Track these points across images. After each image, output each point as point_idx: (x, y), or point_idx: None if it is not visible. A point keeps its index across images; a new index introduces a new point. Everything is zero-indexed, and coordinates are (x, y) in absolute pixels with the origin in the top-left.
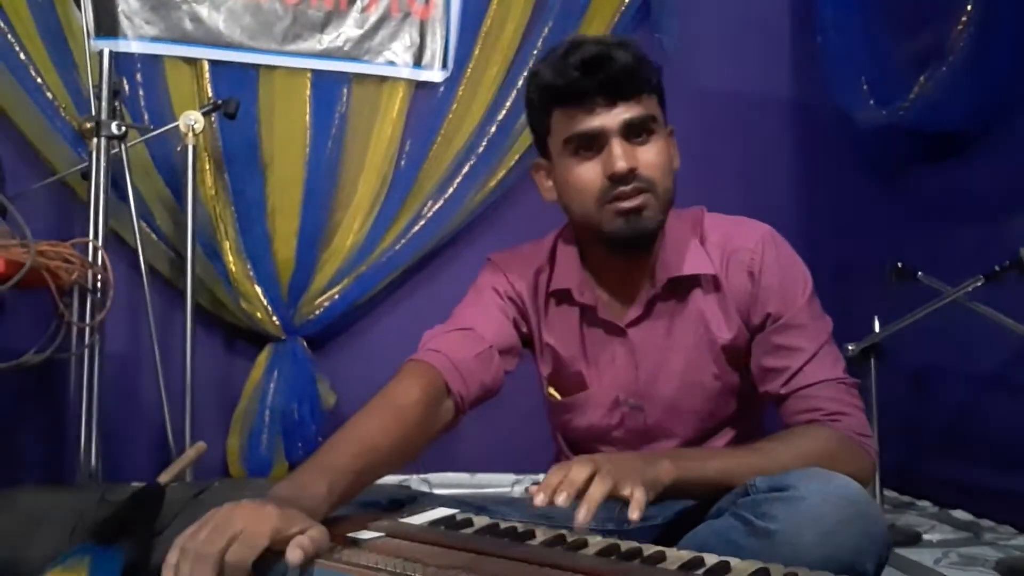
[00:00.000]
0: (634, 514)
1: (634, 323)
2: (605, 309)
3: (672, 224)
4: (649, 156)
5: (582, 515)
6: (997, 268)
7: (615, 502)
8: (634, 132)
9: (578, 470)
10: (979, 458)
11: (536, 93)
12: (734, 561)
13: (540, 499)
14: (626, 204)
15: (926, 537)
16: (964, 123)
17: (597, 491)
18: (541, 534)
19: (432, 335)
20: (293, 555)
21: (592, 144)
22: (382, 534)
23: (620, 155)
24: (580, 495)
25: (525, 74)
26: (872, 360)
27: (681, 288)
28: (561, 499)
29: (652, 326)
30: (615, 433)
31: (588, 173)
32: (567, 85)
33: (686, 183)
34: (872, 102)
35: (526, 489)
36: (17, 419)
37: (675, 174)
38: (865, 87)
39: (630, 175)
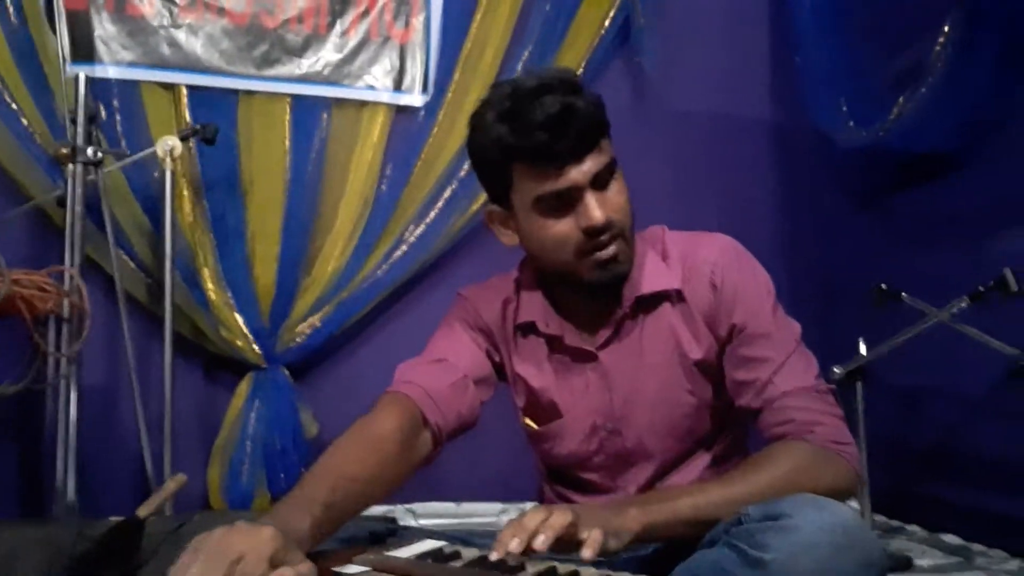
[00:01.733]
0: (587, 552)
1: (604, 345)
2: (572, 336)
3: (635, 243)
4: (616, 201)
5: (539, 542)
6: (981, 288)
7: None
8: (600, 180)
9: (532, 516)
10: (969, 481)
11: (493, 151)
12: None
13: (494, 556)
14: (603, 254)
15: (917, 562)
16: (945, 143)
17: (556, 520)
18: (531, 566)
19: (406, 367)
20: None
21: (563, 202)
22: (368, 568)
23: (595, 208)
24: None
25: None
26: (858, 383)
27: (648, 305)
28: (514, 544)
29: (623, 347)
30: (595, 459)
31: (562, 229)
32: (534, 148)
33: (666, 205)
34: (851, 123)
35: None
36: None
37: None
38: (844, 108)
39: (606, 225)
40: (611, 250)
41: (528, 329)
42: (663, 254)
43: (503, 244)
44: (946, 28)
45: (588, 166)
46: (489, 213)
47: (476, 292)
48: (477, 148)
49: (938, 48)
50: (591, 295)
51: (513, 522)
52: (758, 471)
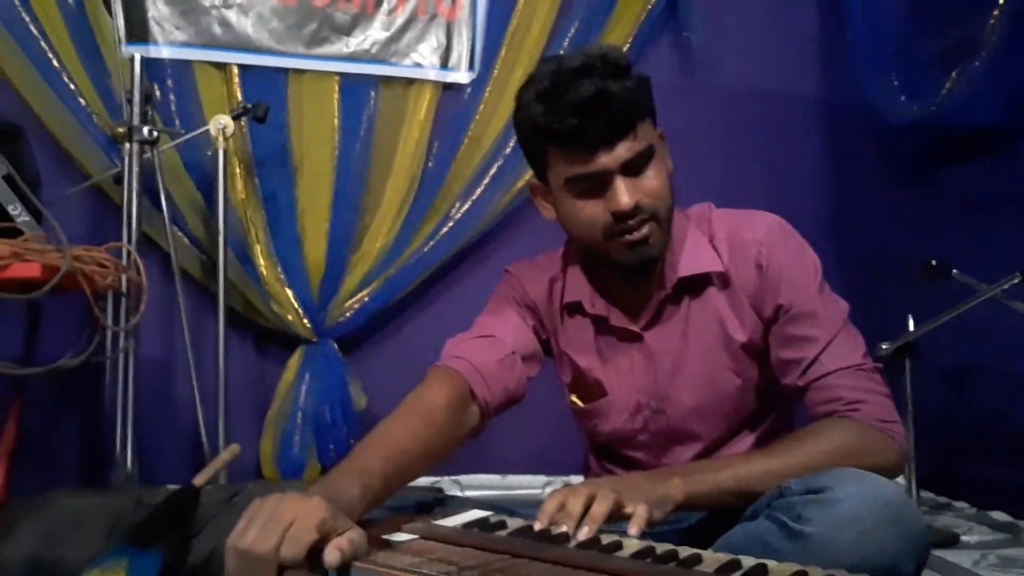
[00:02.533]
0: (632, 529)
1: (648, 327)
2: (617, 317)
3: (679, 224)
4: (650, 185)
5: (583, 533)
6: None
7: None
8: (633, 166)
9: (575, 501)
10: (1017, 458)
11: (529, 129)
12: (771, 564)
13: (539, 525)
14: (632, 236)
15: (964, 538)
16: (997, 118)
17: (599, 510)
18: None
19: (455, 343)
20: (331, 556)
21: (594, 184)
22: (416, 536)
23: (623, 193)
24: (581, 520)
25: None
26: (907, 359)
27: (692, 287)
28: (561, 530)
29: (667, 328)
30: (640, 437)
31: (592, 210)
32: (565, 131)
33: (713, 182)
34: (903, 98)
35: None
36: (53, 423)
37: (672, 191)
38: (896, 83)
39: (634, 209)
40: (641, 233)
41: (574, 309)
42: (709, 234)
43: (544, 218)
44: (1000, 1)
45: (619, 152)
46: (532, 186)
47: (523, 269)
48: (517, 124)
49: (992, 21)
50: (628, 276)
51: (556, 494)
52: (803, 445)
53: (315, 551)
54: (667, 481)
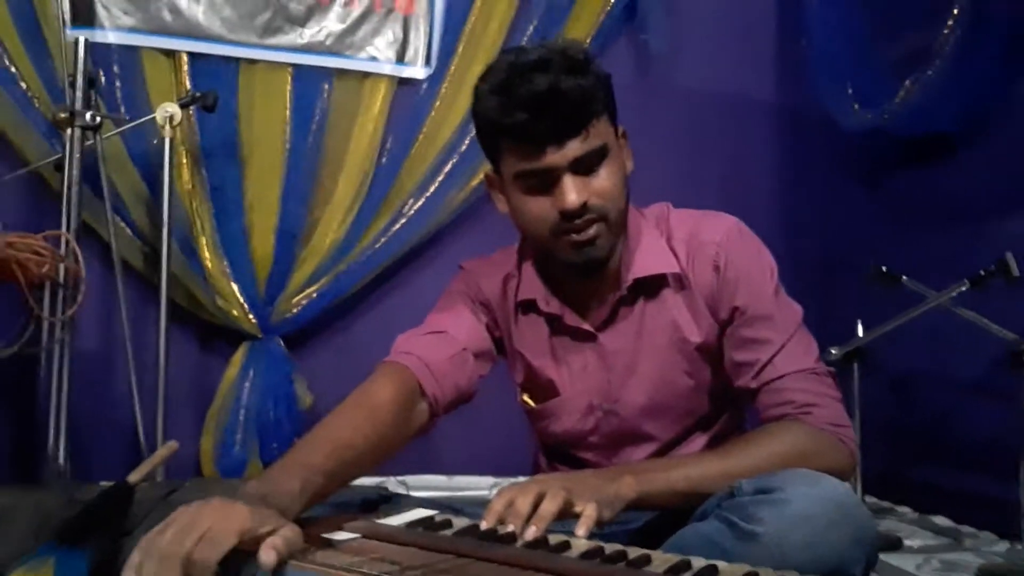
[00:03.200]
0: (580, 529)
1: (602, 327)
2: (571, 316)
3: (636, 224)
4: (600, 186)
5: (530, 532)
6: (982, 272)
7: (571, 520)
8: (584, 164)
9: (523, 499)
10: (960, 464)
11: (483, 121)
12: (721, 565)
13: (485, 525)
14: (579, 237)
15: (907, 543)
16: (950, 127)
17: (547, 508)
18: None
19: (405, 338)
20: (267, 556)
21: (542, 181)
22: (358, 535)
23: (571, 191)
24: (529, 519)
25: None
26: (855, 364)
27: (648, 288)
28: (508, 530)
29: (621, 329)
30: (591, 438)
31: (540, 207)
32: (514, 126)
33: (668, 183)
34: (857, 106)
35: None
36: None
37: (627, 180)
38: (850, 91)
39: (581, 209)
40: (587, 233)
41: (528, 307)
42: (667, 234)
43: (499, 210)
44: (955, 11)
45: (568, 150)
46: (488, 177)
47: (478, 266)
48: (473, 114)
49: (946, 31)
50: (578, 276)
51: (504, 494)
52: (755, 447)
53: (235, 558)
54: (618, 479)
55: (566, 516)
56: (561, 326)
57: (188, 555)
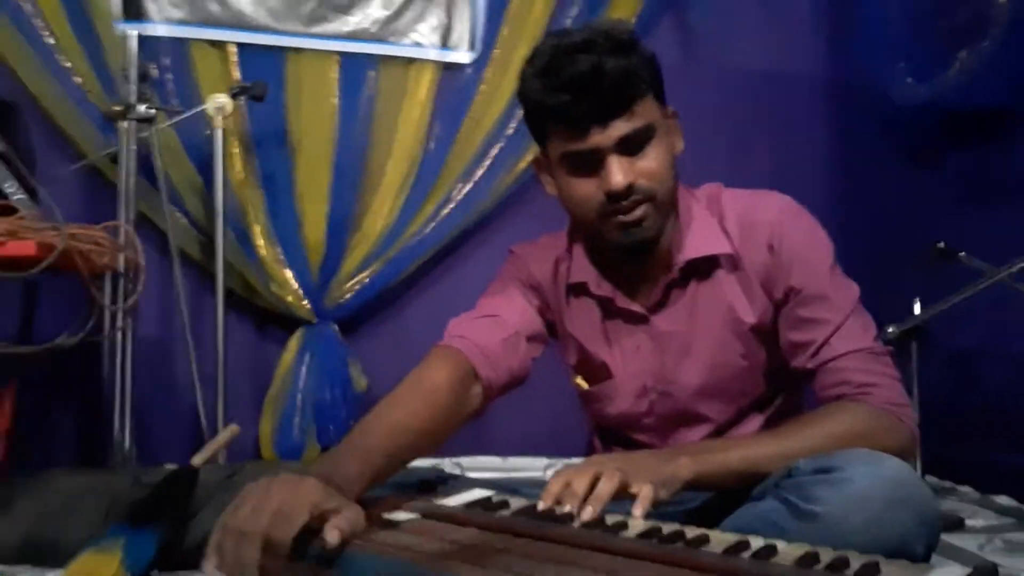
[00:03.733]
0: (637, 510)
1: (654, 309)
2: (623, 299)
3: (687, 204)
4: (646, 166)
5: (587, 513)
6: None
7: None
8: (630, 145)
9: (580, 480)
10: (1022, 442)
11: (529, 104)
12: (780, 544)
13: (543, 505)
14: (626, 218)
15: (969, 523)
16: (1005, 100)
17: (604, 489)
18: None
19: (458, 323)
20: (332, 536)
21: (588, 162)
22: (417, 515)
23: (617, 172)
24: (586, 499)
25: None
26: (913, 343)
27: (700, 270)
28: (565, 510)
29: (674, 311)
30: (646, 420)
31: (586, 189)
32: (558, 107)
33: (715, 162)
34: (910, 80)
35: None
36: (51, 403)
37: (677, 161)
38: (903, 64)
39: (628, 190)
40: (635, 214)
41: (579, 289)
42: (719, 214)
43: (547, 192)
44: None
45: (613, 130)
46: (536, 160)
47: (528, 250)
48: (520, 97)
49: (1001, 1)
50: (626, 258)
51: (561, 474)
52: (813, 427)
53: (304, 534)
54: (675, 460)
55: (623, 496)
56: (613, 308)
57: (264, 532)
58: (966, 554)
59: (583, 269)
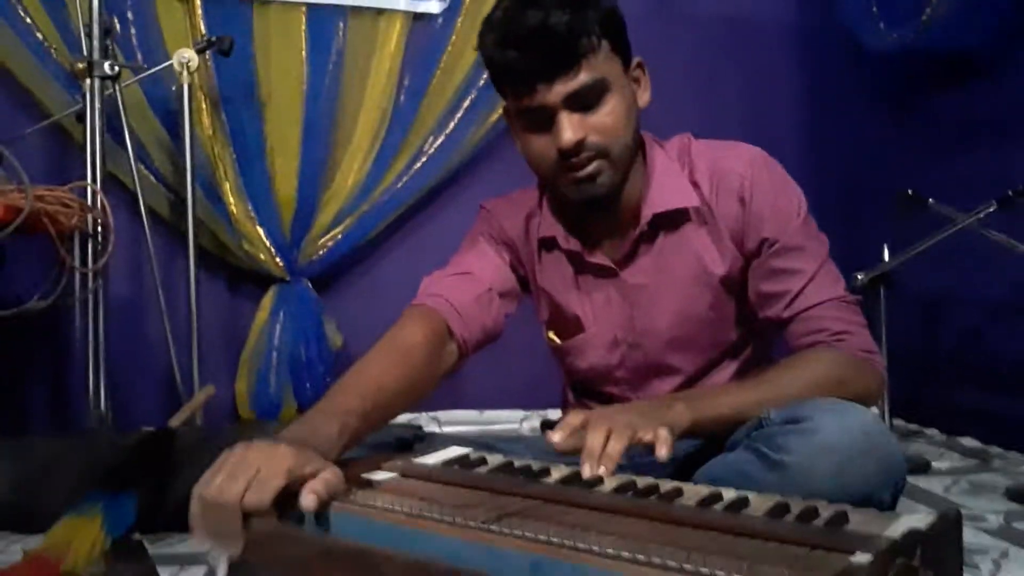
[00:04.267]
0: (662, 451)
1: (623, 263)
2: (591, 253)
3: (654, 156)
4: (599, 121)
5: (602, 471)
6: (1010, 193)
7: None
8: (581, 101)
9: (594, 436)
10: (988, 385)
11: (484, 58)
12: (752, 495)
13: (558, 437)
14: (578, 174)
15: (935, 465)
16: (979, 45)
17: (615, 448)
18: (556, 472)
19: (431, 280)
20: (307, 500)
21: (540, 119)
22: (396, 474)
23: (567, 129)
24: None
25: None
26: (881, 289)
27: (669, 223)
28: (585, 469)
29: (642, 264)
30: (617, 372)
31: (540, 145)
32: (505, 65)
33: (687, 110)
34: (882, 25)
35: (543, 429)
36: (24, 367)
37: (645, 112)
38: (875, 8)
39: (579, 146)
40: (588, 169)
41: (550, 244)
42: (689, 166)
43: (518, 148)
44: None
45: (561, 87)
46: (504, 110)
47: (499, 205)
48: (478, 50)
49: None
50: (586, 212)
51: (573, 417)
52: (795, 373)
53: (285, 497)
54: (673, 407)
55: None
56: (582, 263)
57: (240, 499)
58: (933, 496)
59: (552, 224)
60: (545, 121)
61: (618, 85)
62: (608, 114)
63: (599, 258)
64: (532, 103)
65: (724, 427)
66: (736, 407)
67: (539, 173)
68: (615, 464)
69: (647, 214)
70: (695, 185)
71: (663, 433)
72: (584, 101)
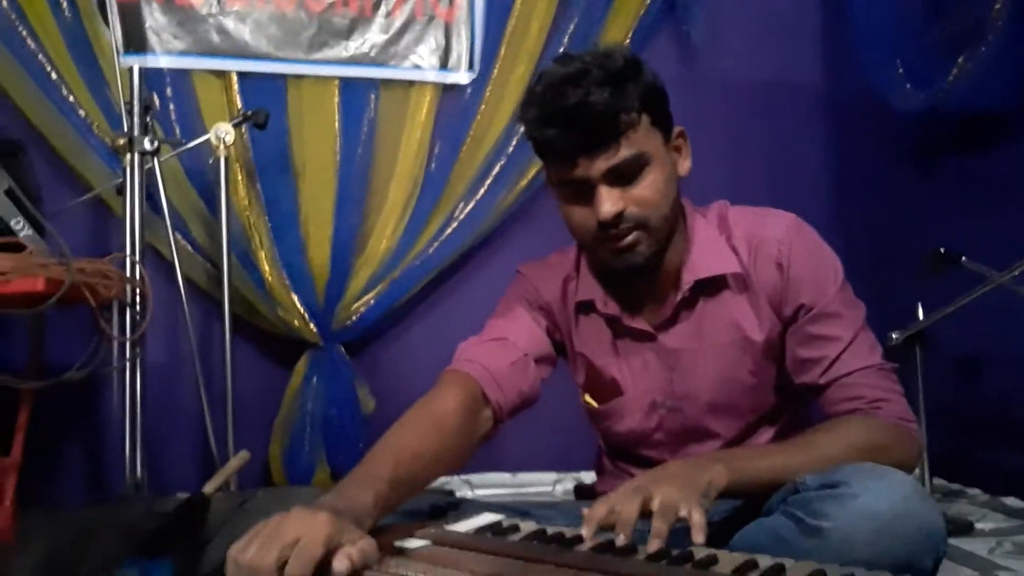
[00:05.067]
0: (699, 537)
1: (662, 328)
2: (630, 317)
3: (697, 224)
4: (639, 194)
5: (619, 540)
6: None
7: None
8: (620, 175)
9: (628, 507)
10: None
11: (526, 130)
12: (788, 563)
13: (587, 532)
14: (618, 245)
15: (978, 526)
16: (1004, 103)
17: (659, 526)
18: (589, 540)
19: (466, 346)
20: (340, 565)
21: (580, 191)
22: (428, 542)
23: (605, 202)
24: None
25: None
26: (917, 348)
27: (709, 289)
28: (620, 540)
29: (681, 329)
30: (655, 436)
31: (580, 216)
32: (546, 141)
33: (715, 175)
34: (908, 86)
35: (576, 493)
36: (62, 434)
37: (677, 183)
38: (901, 70)
39: (618, 218)
40: (627, 240)
41: (588, 308)
42: (727, 233)
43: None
44: None
45: (600, 163)
46: (547, 175)
47: (536, 269)
48: (520, 121)
49: (998, 6)
50: (631, 278)
51: (604, 501)
52: (835, 439)
53: (322, 568)
54: (710, 468)
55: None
56: (620, 327)
57: (278, 566)
58: (977, 559)
59: (590, 288)
60: (584, 193)
61: (658, 158)
62: (647, 187)
63: (638, 323)
64: (573, 176)
65: (760, 489)
66: (774, 470)
67: (580, 241)
68: (662, 538)
69: (688, 280)
70: (734, 251)
71: (697, 517)
72: (624, 175)
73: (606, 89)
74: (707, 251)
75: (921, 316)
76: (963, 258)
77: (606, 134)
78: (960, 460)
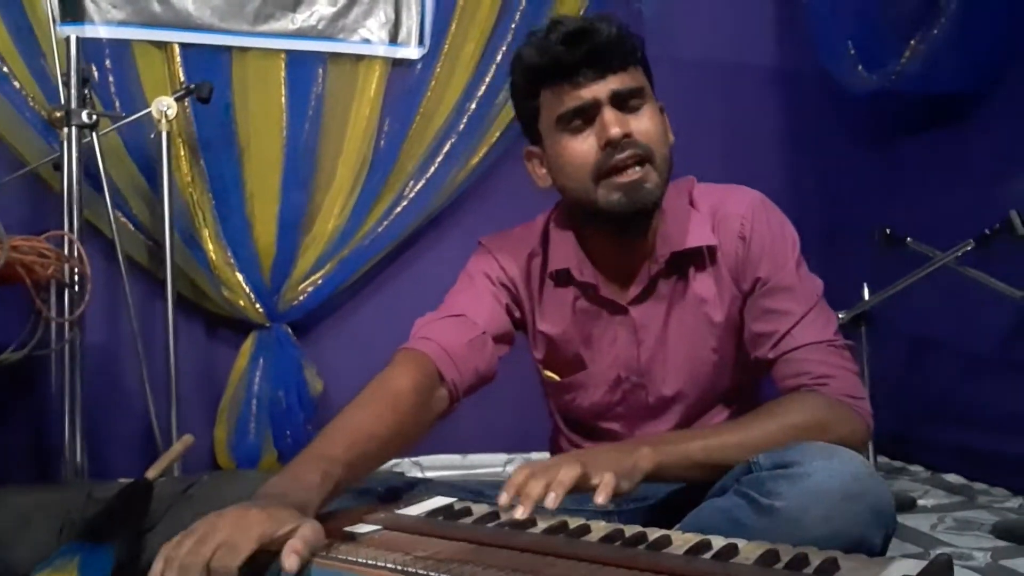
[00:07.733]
0: (599, 497)
1: (636, 301)
2: (606, 287)
3: (669, 196)
4: (643, 124)
5: (550, 500)
6: (987, 232)
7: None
8: (625, 102)
9: (534, 484)
10: (971, 422)
11: (521, 76)
12: (741, 543)
13: (504, 499)
14: (624, 178)
15: (921, 502)
16: (956, 86)
17: (566, 475)
18: (542, 521)
19: (423, 323)
20: (289, 561)
21: (584, 117)
22: (379, 527)
23: (613, 121)
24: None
25: (503, 51)
26: (863, 327)
27: (683, 264)
28: (519, 513)
29: (652, 303)
30: (616, 409)
31: (582, 146)
32: (552, 61)
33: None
34: (860, 67)
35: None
36: None
37: (671, 148)
38: (853, 52)
39: (625, 140)
40: (634, 175)
41: (560, 278)
42: (694, 206)
43: (537, 186)
44: None
45: (607, 83)
46: (527, 152)
47: (499, 243)
48: (512, 84)
49: None
50: (623, 236)
51: (523, 467)
52: (772, 418)
53: (259, 561)
54: (636, 451)
55: (584, 489)
56: (594, 296)
57: (207, 562)
58: (920, 535)
59: (566, 255)
60: (585, 122)
61: (655, 106)
62: (650, 120)
63: (612, 294)
64: (578, 99)
65: (694, 472)
66: (710, 451)
67: (578, 180)
68: (564, 491)
69: (664, 252)
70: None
71: (608, 478)
72: (627, 104)
73: (610, 24)
74: (682, 223)
75: (867, 295)
76: (908, 238)
77: (613, 55)
78: (903, 437)
